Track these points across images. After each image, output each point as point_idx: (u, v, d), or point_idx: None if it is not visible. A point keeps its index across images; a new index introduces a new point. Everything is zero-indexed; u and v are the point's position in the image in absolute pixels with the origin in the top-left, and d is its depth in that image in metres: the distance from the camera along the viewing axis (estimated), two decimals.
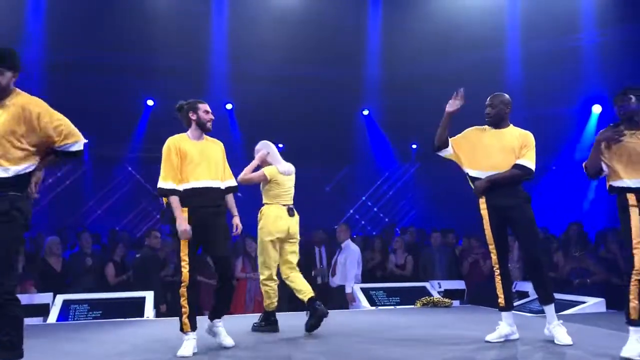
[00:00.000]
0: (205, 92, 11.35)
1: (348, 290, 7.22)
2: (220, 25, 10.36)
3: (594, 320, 4.47)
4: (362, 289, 7.05)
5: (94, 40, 9.74)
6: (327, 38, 10.32)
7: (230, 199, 4.38)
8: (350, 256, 7.38)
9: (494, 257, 4.29)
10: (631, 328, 3.67)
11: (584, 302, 6.10)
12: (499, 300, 4.29)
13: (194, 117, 4.20)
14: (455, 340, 4.33)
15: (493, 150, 4.26)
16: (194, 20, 10.14)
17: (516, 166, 4.21)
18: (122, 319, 5.73)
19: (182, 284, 4.03)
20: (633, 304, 3.62)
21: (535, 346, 4.07)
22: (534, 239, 4.26)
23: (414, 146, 15.00)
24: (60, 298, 6.08)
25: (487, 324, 4.51)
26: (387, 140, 13.46)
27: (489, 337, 4.27)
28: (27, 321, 3.81)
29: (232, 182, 4.38)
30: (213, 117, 4.28)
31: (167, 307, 6.81)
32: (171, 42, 9.95)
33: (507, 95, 4.37)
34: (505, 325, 4.30)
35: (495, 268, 4.32)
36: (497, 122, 4.33)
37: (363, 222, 14.71)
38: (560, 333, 4.09)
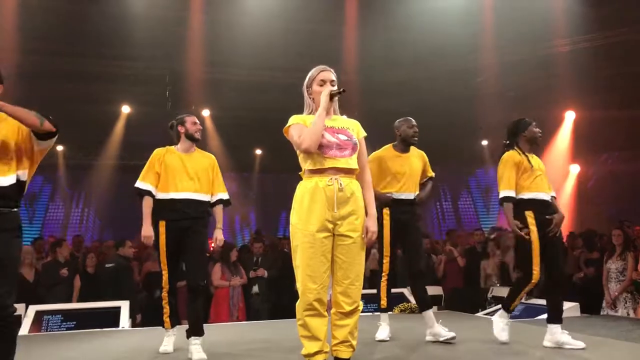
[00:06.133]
0: (181, 99, 11.28)
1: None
2: (197, 31, 10.29)
3: (566, 324, 4.50)
4: None
5: (68, 47, 9.61)
6: (304, 44, 10.34)
7: (217, 210, 4.35)
8: None
9: (387, 264, 4.49)
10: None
11: None
12: (382, 302, 4.50)
13: (182, 130, 4.29)
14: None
15: None
16: (169, 26, 10.06)
17: None
18: (97, 330, 5.63)
19: (163, 289, 4.25)
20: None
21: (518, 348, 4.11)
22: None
23: None
24: (32, 309, 5.94)
25: (462, 329, 4.54)
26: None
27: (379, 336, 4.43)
28: None
29: (223, 195, 4.37)
30: (201, 128, 4.37)
31: (142, 317, 6.70)
32: (147, 48, 9.86)
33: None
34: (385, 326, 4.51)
35: (384, 273, 4.50)
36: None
37: None
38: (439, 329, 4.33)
